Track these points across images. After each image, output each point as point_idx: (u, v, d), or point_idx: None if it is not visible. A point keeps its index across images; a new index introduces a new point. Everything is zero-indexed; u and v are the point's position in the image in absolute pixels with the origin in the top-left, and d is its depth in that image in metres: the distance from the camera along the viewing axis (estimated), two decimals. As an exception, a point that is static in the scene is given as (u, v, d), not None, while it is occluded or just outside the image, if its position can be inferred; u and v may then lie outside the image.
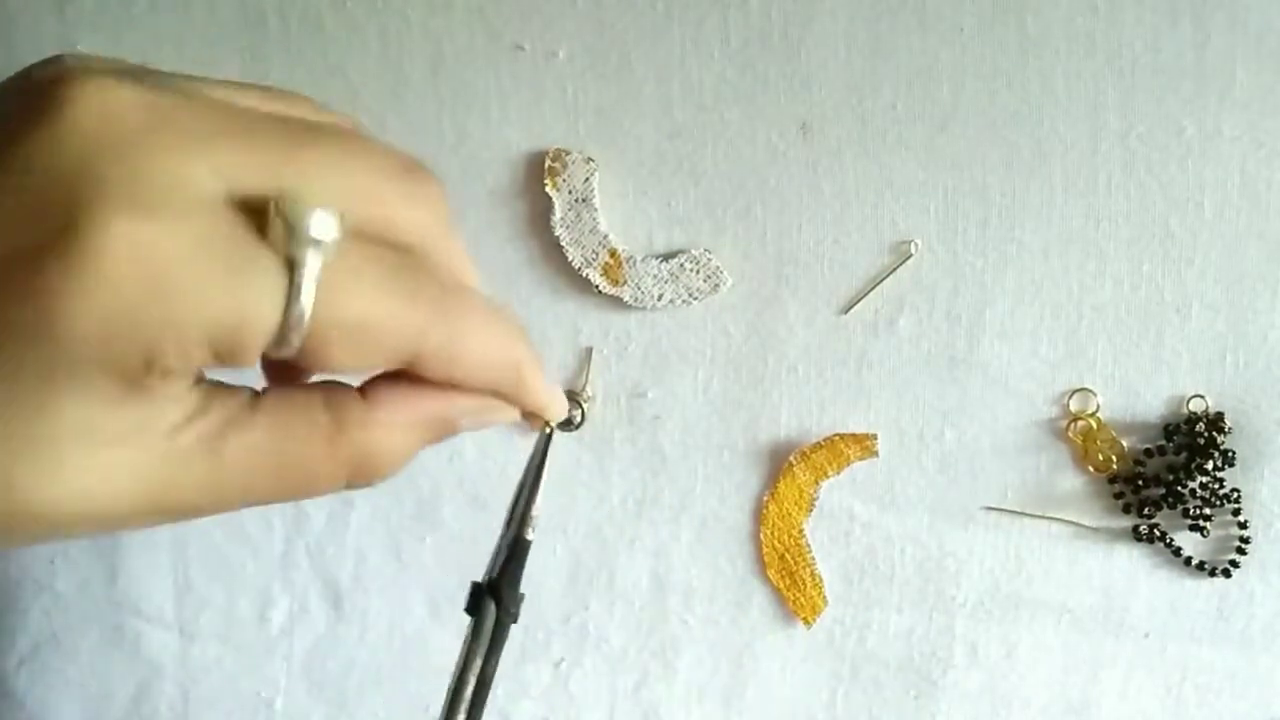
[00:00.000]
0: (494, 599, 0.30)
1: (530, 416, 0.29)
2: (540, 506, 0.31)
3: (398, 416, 0.26)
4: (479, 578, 0.32)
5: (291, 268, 0.22)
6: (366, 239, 0.24)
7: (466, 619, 0.31)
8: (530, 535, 0.31)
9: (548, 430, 0.32)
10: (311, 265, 0.22)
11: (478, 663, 0.30)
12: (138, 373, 0.21)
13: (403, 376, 0.26)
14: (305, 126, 0.24)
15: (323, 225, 0.22)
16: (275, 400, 0.25)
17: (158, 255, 0.20)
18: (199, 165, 0.21)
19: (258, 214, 0.22)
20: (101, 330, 0.20)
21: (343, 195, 0.23)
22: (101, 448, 0.22)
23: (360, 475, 0.25)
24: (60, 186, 0.20)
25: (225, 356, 0.22)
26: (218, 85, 0.24)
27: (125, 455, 0.22)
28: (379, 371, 0.26)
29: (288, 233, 0.22)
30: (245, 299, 0.21)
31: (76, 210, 0.20)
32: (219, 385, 0.24)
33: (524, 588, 0.31)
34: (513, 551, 0.31)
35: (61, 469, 0.21)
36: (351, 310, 0.23)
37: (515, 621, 0.31)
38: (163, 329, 0.21)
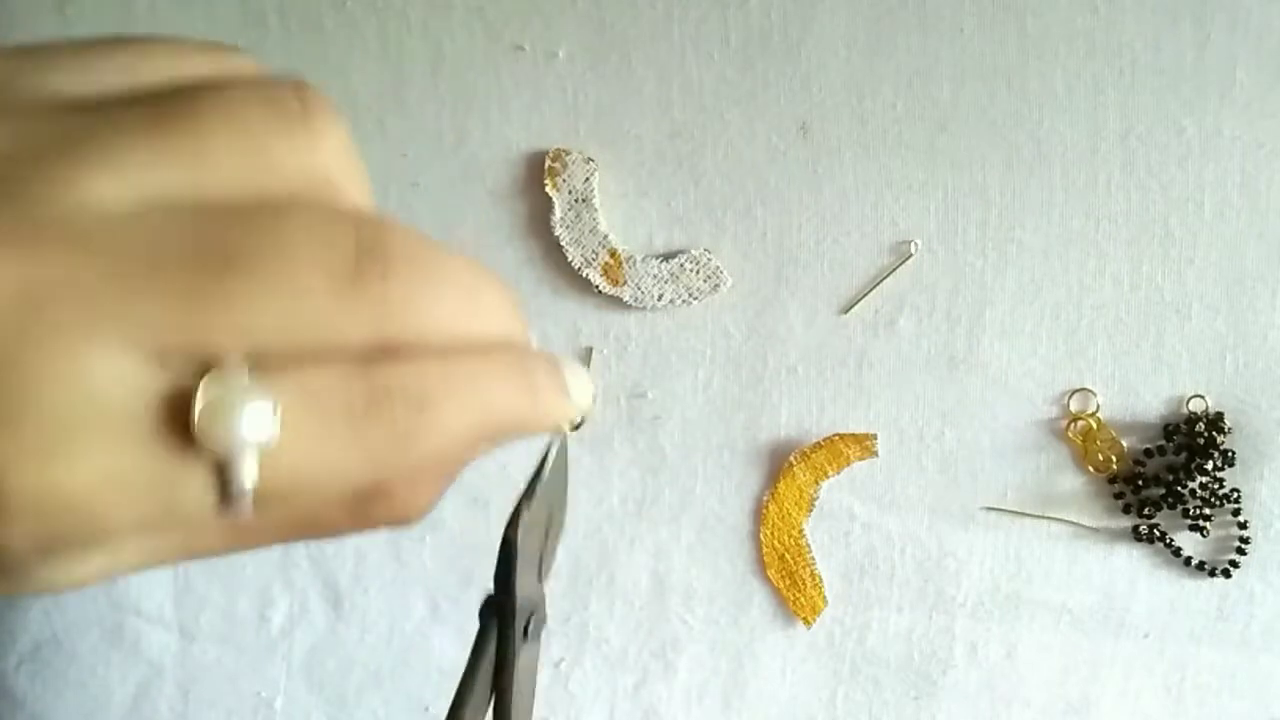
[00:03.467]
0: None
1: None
2: (531, 510, 0.28)
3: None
4: (481, 581, 0.29)
5: (222, 467, 0.19)
6: (306, 371, 0.20)
7: (465, 620, 0.29)
8: (518, 535, 0.27)
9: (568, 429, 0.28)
10: (248, 466, 0.19)
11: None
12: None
13: None
14: (209, 253, 0.19)
15: (254, 422, 0.19)
16: None
17: (70, 487, 0.18)
18: (103, 361, 0.18)
19: (179, 397, 0.19)
20: (30, 545, 0.18)
21: (274, 334, 0.20)
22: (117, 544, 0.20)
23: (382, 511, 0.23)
24: None
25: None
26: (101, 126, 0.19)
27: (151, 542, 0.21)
28: None
29: (215, 439, 0.19)
30: (171, 505, 0.19)
31: None
32: None
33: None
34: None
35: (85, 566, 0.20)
36: (291, 480, 0.20)
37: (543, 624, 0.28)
38: (89, 531, 0.19)
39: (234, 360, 0.19)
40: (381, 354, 0.21)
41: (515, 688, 0.28)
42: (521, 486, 0.30)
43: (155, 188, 0.19)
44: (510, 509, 0.29)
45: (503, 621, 0.28)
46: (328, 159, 0.21)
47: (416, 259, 0.21)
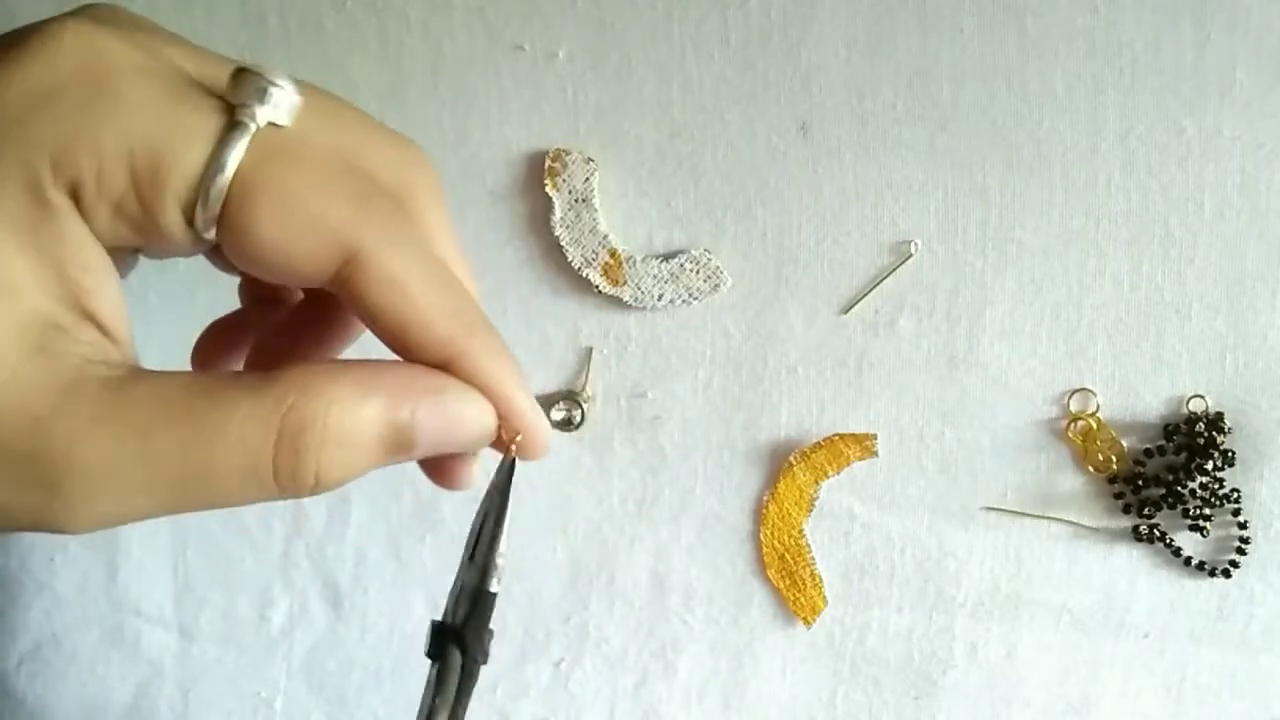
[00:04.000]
0: (459, 645, 0.27)
1: (504, 441, 0.25)
2: (505, 551, 0.27)
3: (343, 385, 0.22)
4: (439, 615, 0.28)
5: (234, 115, 0.22)
6: (333, 152, 0.24)
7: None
8: (494, 587, 0.27)
9: (512, 455, 0.27)
10: (259, 115, 0.22)
11: (444, 715, 0.27)
12: (43, 179, 0.20)
13: (355, 363, 0.23)
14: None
15: (282, 90, 0.22)
16: (206, 371, 0.23)
17: (103, 56, 0.21)
18: (170, 49, 0.23)
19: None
20: (20, 104, 0.20)
21: (327, 124, 0.24)
22: None
23: (294, 459, 0.22)
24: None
25: (142, 188, 0.21)
26: None
27: (25, 368, 0.20)
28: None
29: (242, 84, 0.22)
30: (176, 123, 0.21)
31: (41, 25, 0.21)
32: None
33: (524, 587, 0.30)
34: (475, 604, 0.27)
35: None
36: (285, 180, 0.22)
37: (485, 663, 0.28)
38: (83, 120, 0.20)
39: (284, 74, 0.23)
40: (394, 187, 0.25)
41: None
42: (523, 490, 0.29)
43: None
44: (507, 513, 0.29)
45: (468, 658, 0.28)
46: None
47: (444, 198, 0.27)
